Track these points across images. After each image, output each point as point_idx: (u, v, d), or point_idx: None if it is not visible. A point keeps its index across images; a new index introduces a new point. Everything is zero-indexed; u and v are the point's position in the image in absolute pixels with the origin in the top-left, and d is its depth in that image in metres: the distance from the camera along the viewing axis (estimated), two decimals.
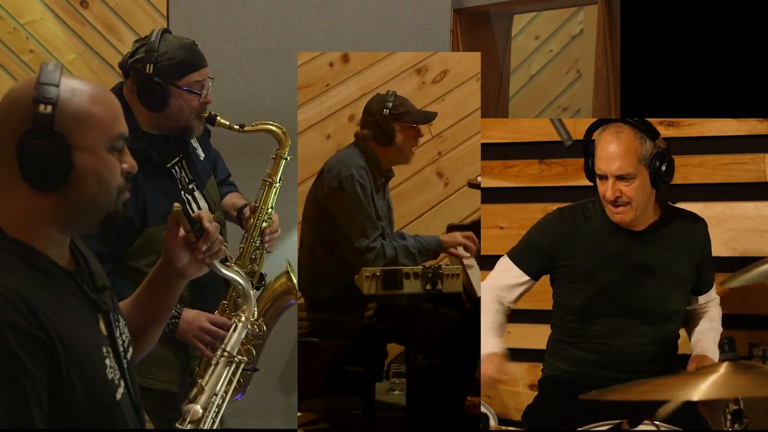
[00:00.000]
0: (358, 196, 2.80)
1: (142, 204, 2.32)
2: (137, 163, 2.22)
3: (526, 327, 3.06)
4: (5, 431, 1.22)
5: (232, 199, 2.73)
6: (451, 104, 3.78)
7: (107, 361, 1.38)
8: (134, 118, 2.33)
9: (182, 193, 2.45)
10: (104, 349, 1.39)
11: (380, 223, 2.89)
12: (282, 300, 2.69)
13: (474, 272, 2.94)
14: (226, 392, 1.59)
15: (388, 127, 2.89)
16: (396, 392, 3.31)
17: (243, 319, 1.66)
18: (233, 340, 1.63)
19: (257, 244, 2.55)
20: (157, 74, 2.29)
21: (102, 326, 1.42)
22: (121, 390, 1.41)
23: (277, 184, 2.57)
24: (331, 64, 3.57)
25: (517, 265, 2.47)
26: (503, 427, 2.13)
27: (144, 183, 2.32)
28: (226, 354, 1.60)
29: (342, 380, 2.83)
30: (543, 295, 2.55)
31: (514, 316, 2.58)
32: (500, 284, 2.49)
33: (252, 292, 1.68)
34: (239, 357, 1.62)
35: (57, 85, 1.33)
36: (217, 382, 1.58)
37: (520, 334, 3.07)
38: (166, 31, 2.39)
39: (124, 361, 1.46)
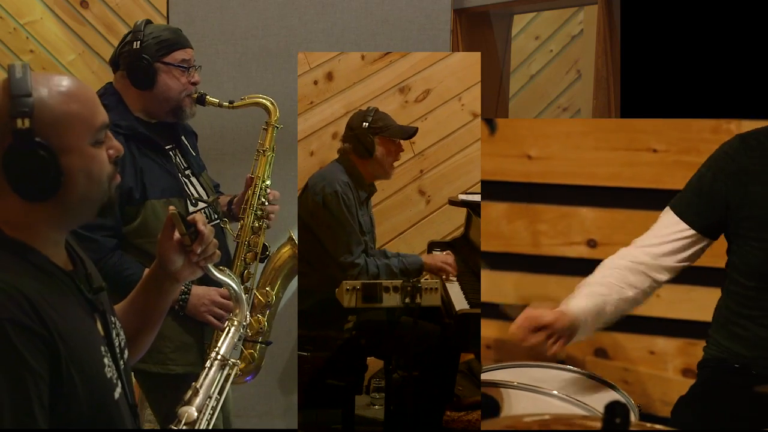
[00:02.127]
0: (342, 212, 2.84)
1: (140, 174, 2.33)
2: (132, 141, 2.28)
3: (680, 290, 2.35)
4: (6, 429, 1.22)
5: (220, 200, 2.72)
6: (434, 123, 3.83)
7: (105, 360, 1.39)
8: (126, 107, 2.39)
9: (179, 174, 2.46)
10: (102, 348, 1.40)
11: (363, 238, 2.92)
12: (288, 267, 2.67)
13: (453, 287, 2.96)
14: (220, 394, 1.59)
15: (367, 140, 2.94)
16: (376, 407, 3.33)
17: (236, 322, 1.67)
18: (226, 343, 1.64)
19: (258, 214, 2.54)
20: (144, 51, 2.37)
21: (99, 327, 1.42)
22: (118, 389, 1.41)
23: (270, 153, 2.57)
24: (315, 82, 3.62)
25: (680, 217, 1.92)
26: (647, 424, 1.36)
27: (140, 157, 2.35)
28: (219, 357, 1.61)
29: (322, 393, 2.82)
30: (711, 248, 1.96)
31: None
32: (650, 240, 1.94)
33: (245, 296, 1.69)
34: (232, 360, 1.62)
35: (29, 95, 1.29)
36: (212, 384, 1.58)
37: (671, 299, 2.42)
38: (149, 21, 2.47)
39: (121, 362, 1.46)
